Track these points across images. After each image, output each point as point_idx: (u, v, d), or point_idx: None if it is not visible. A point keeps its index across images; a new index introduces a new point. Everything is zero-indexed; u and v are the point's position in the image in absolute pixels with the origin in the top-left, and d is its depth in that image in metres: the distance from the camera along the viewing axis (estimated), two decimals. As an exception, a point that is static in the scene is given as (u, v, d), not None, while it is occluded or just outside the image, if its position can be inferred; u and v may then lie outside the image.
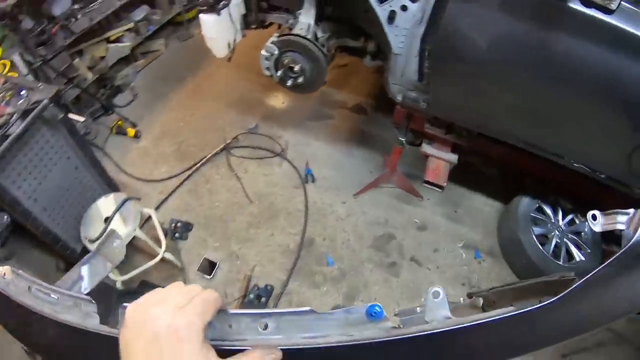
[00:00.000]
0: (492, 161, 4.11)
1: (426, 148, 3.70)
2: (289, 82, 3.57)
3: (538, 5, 2.52)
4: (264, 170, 4.29)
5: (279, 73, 3.57)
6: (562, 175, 3.32)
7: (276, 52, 3.50)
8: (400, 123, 3.73)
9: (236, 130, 4.58)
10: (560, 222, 3.78)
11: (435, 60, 2.97)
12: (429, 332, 0.99)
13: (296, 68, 3.49)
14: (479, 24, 2.71)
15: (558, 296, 1.06)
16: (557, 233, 3.73)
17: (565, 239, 3.72)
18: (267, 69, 3.63)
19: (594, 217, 1.45)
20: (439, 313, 1.01)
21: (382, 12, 2.96)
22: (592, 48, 2.48)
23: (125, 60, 5.31)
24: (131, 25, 5.26)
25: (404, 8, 2.92)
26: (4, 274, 1.31)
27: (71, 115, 3.75)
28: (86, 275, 1.63)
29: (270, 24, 4.02)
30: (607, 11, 2.29)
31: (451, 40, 2.82)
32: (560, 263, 3.62)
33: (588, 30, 2.43)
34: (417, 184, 4.06)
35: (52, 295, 1.20)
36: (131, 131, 4.61)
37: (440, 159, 3.68)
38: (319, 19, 3.55)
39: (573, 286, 1.07)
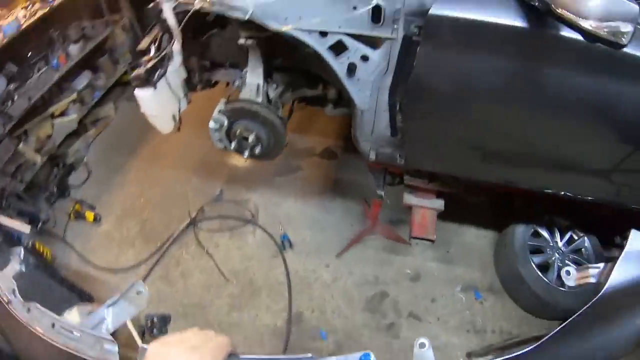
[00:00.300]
0: (477, 190, 3.53)
1: (408, 199, 3.09)
2: (246, 153, 2.93)
3: (528, 42, 2.01)
4: (236, 242, 3.63)
5: (233, 144, 2.93)
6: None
7: (225, 122, 2.86)
8: (376, 169, 3.11)
9: (200, 200, 3.90)
10: (559, 243, 3.30)
11: (409, 113, 2.40)
12: None
13: (251, 138, 2.86)
14: (458, 70, 2.16)
15: (534, 345, 1.25)
16: (558, 256, 3.26)
17: (567, 261, 3.22)
18: (219, 140, 3.00)
19: (568, 273, 1.71)
20: None
21: (339, 66, 2.35)
22: (594, 79, 2.03)
23: (75, 134, 4.60)
24: (75, 96, 4.55)
25: (364, 58, 2.31)
26: (29, 309, 1.40)
27: (15, 225, 3.10)
28: (109, 317, 1.65)
29: (217, 82, 3.36)
30: (618, 46, 1.73)
31: (426, 91, 2.26)
32: (566, 289, 3.09)
33: (591, 63, 1.98)
34: (403, 229, 3.47)
35: (75, 333, 1.29)
36: (90, 215, 3.92)
37: (426, 207, 3.07)
38: (268, 74, 2.91)
39: (548, 335, 1.28)
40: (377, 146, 2.68)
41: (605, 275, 1.46)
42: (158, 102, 2.91)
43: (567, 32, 1.87)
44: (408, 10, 2.08)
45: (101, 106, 4.98)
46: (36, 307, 1.48)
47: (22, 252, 2.29)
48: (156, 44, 2.96)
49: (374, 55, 2.28)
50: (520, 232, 3.26)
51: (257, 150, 2.92)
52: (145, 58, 2.88)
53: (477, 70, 2.12)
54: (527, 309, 3.29)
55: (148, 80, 2.78)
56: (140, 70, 2.76)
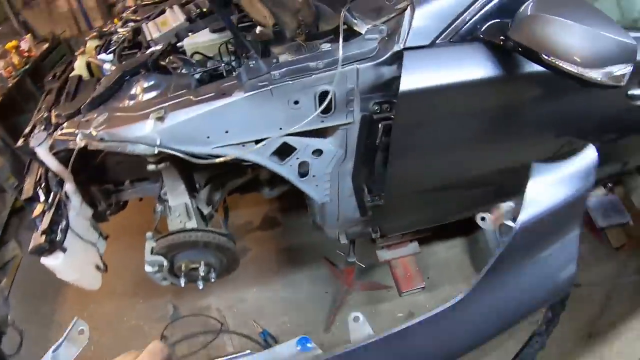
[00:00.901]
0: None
1: (383, 255, 2.50)
2: (200, 284, 2.13)
3: (514, 89, 1.57)
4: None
5: (182, 280, 2.13)
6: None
7: (164, 262, 2.03)
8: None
9: (156, 325, 2.95)
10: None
11: (383, 194, 1.76)
12: (354, 347, 1.07)
13: (201, 268, 2.06)
14: (445, 135, 1.63)
15: (452, 302, 1.15)
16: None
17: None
18: (164, 279, 2.19)
19: (483, 219, 1.54)
20: (363, 333, 1.13)
21: (288, 170, 1.67)
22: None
23: (-13, 292, 3.44)
24: (-33, 255, 3.42)
25: (317, 152, 1.61)
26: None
27: None
28: (55, 360, 1.48)
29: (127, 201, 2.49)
30: (616, 87, 1.27)
31: (405, 172, 1.71)
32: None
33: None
34: (379, 273, 2.84)
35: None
36: (42, 385, 2.87)
37: (404, 257, 2.45)
38: (192, 187, 2.11)
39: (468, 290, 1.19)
40: (345, 228, 2.02)
41: (516, 213, 1.28)
42: (75, 263, 2.04)
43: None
44: (363, 88, 1.41)
45: (4, 247, 3.82)
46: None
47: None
48: (42, 185, 2.07)
49: (328, 145, 1.61)
50: (490, 233, 2.75)
51: (212, 276, 2.14)
52: (36, 212, 1.99)
53: (465, 128, 1.56)
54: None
55: (52, 243, 1.89)
56: (38, 239, 1.87)
